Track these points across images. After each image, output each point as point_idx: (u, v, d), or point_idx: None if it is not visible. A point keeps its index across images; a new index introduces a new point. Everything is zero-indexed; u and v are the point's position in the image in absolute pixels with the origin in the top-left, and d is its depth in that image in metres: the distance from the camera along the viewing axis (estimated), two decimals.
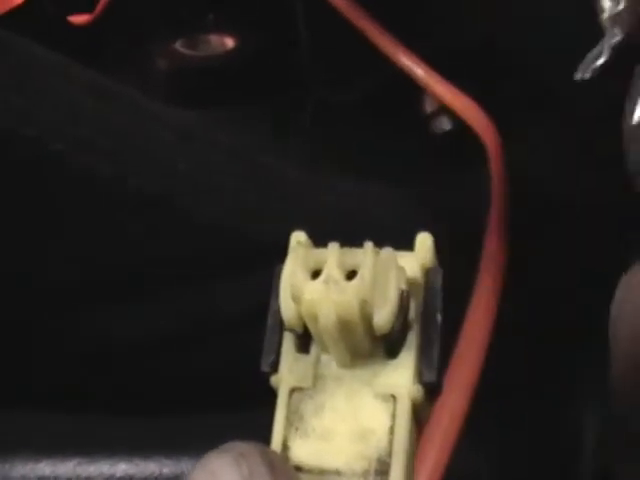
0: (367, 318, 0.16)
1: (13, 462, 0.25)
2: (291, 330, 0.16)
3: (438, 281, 0.17)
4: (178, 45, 0.46)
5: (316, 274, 0.16)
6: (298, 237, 0.17)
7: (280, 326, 0.17)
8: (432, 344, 0.17)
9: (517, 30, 0.33)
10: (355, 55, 0.40)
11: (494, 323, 0.24)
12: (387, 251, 0.16)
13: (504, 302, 0.25)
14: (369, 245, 0.16)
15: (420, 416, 0.16)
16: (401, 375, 0.16)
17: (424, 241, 0.17)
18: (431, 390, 0.16)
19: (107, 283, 0.28)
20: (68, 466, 0.25)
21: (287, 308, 0.16)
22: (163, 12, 0.48)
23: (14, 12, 0.44)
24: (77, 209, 0.27)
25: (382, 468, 0.16)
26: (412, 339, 0.17)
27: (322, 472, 0.16)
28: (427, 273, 0.17)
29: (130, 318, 0.29)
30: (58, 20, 0.47)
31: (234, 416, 0.26)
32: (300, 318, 0.16)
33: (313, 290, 0.15)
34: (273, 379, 0.17)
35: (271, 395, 0.17)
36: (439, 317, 0.17)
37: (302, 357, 0.17)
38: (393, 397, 0.16)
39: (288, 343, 0.17)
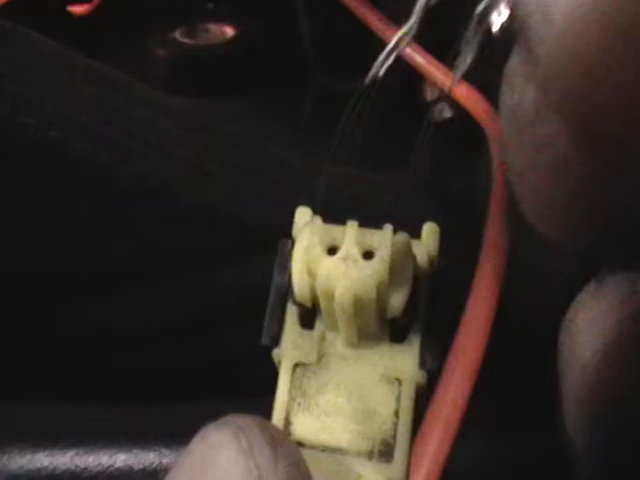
0: (382, 299, 0.15)
1: (11, 453, 0.25)
2: (299, 304, 0.16)
3: (444, 269, 0.17)
4: (177, 34, 0.46)
5: (331, 250, 0.16)
6: (303, 212, 0.17)
7: (284, 300, 0.17)
8: (436, 331, 0.17)
9: None
10: (357, 43, 0.40)
11: (496, 309, 0.24)
12: (403, 235, 0.16)
13: (506, 288, 0.25)
14: (388, 227, 0.16)
15: (420, 402, 0.16)
16: (407, 360, 0.16)
17: (431, 230, 0.17)
18: (432, 377, 0.16)
19: (107, 271, 0.28)
20: (66, 457, 0.25)
21: (300, 281, 0.16)
22: (162, 1, 0.48)
23: (14, 1, 0.44)
24: (76, 196, 0.27)
25: (386, 449, 0.16)
26: (417, 325, 0.17)
27: (325, 449, 0.16)
28: (433, 261, 0.17)
29: (129, 306, 0.29)
30: (58, 10, 0.47)
31: (235, 405, 0.26)
32: (312, 292, 0.16)
33: (331, 266, 0.15)
34: (275, 353, 0.16)
35: (273, 384, 0.17)
36: (444, 304, 0.17)
37: (306, 333, 0.17)
38: (398, 380, 0.16)
39: (291, 318, 0.17)
